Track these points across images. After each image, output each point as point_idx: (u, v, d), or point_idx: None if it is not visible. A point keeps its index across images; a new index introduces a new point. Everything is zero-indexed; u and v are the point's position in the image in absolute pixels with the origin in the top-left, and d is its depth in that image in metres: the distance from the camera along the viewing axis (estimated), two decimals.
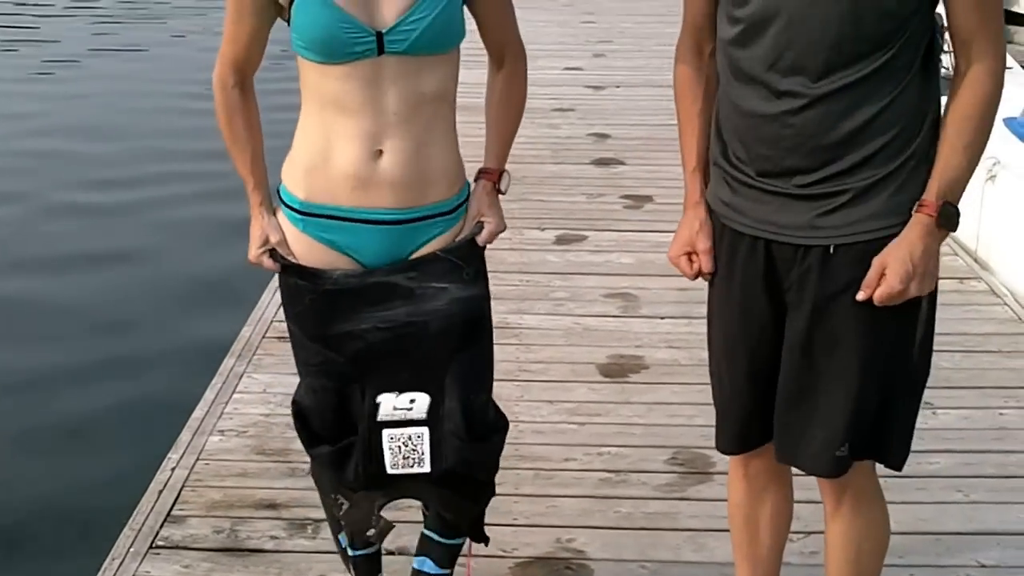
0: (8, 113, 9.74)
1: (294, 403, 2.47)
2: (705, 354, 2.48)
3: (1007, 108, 6.11)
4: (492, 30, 2.37)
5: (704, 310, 2.45)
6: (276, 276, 2.44)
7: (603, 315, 4.69)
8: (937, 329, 4.49)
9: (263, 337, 4.35)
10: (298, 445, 3.34)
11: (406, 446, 2.33)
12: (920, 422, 3.75)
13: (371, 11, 2.15)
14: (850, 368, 2.21)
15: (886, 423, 2.29)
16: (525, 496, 3.39)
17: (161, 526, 3.19)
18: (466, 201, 2.38)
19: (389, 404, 2.32)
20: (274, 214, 2.35)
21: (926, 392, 3.95)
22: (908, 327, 2.22)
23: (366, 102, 2.19)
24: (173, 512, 3.26)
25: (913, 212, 2.12)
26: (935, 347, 4.36)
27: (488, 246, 2.43)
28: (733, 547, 2.64)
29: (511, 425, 3.61)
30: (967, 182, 2.15)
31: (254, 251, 2.34)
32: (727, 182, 2.27)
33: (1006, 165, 5.41)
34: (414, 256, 2.32)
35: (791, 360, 2.26)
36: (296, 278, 2.32)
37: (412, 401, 2.32)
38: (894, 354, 2.22)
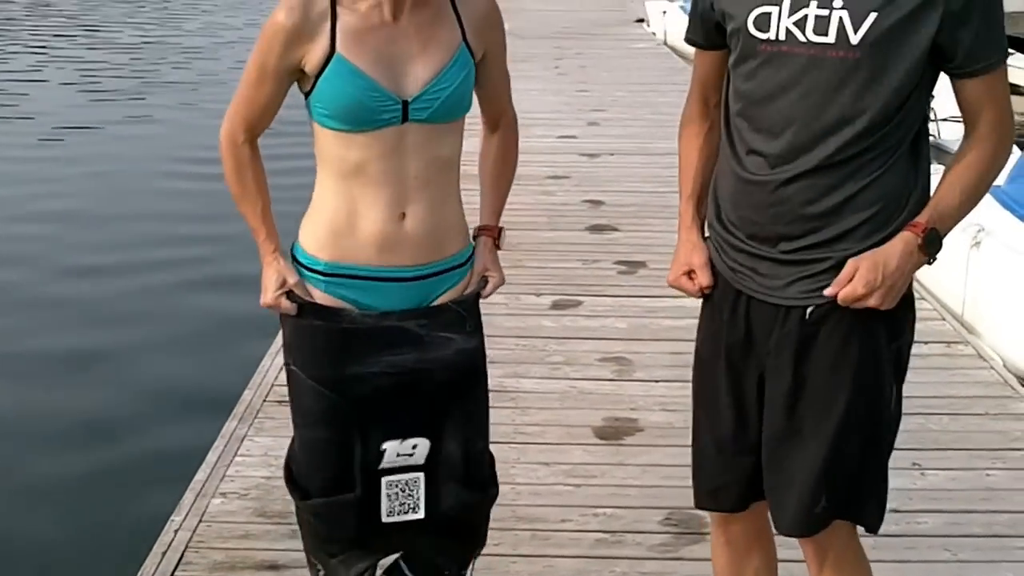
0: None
1: (287, 463, 2.55)
2: None
3: None
4: (492, 100, 2.54)
5: None
6: (279, 340, 2.53)
7: (598, 378, 4.77)
8: (925, 392, 4.65)
9: (264, 400, 4.43)
10: None
11: (403, 492, 2.41)
12: (909, 483, 3.90)
13: (398, 81, 2.28)
14: (826, 428, 2.29)
15: (862, 481, 2.36)
16: (522, 556, 3.46)
17: None
18: (473, 253, 2.51)
19: (393, 451, 2.40)
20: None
21: (915, 453, 4.11)
22: (882, 388, 2.31)
23: (389, 169, 2.32)
24: (176, 573, 3.32)
25: (903, 230, 2.21)
26: (923, 410, 4.50)
27: (485, 311, 2.54)
28: None
29: (509, 487, 3.75)
30: (956, 221, 2.25)
31: (271, 295, 2.40)
32: (719, 244, 2.39)
33: (991, 232, 5.54)
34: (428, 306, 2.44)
35: (771, 419, 2.35)
36: (313, 318, 2.39)
37: (414, 447, 2.40)
38: (868, 414, 2.31)
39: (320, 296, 2.40)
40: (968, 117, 2.23)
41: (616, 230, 6.91)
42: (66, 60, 16.55)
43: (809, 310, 2.27)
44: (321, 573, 2.53)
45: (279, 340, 4.88)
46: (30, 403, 5.65)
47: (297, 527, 3.44)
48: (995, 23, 2.16)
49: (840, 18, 2.13)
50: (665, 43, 16.19)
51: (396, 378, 2.39)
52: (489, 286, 2.52)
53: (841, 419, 2.29)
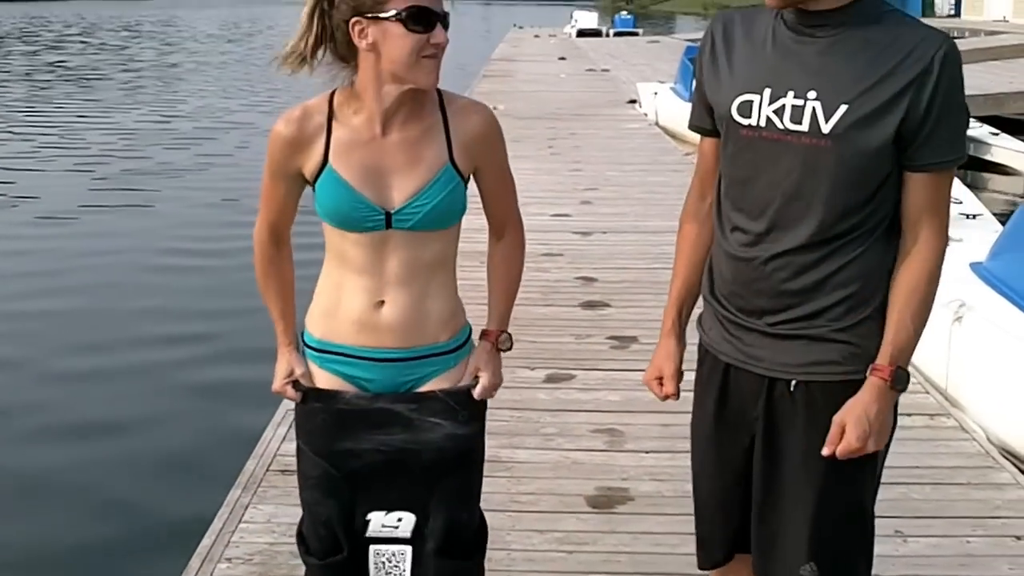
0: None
1: (299, 523, 2.71)
2: (688, 486, 2.73)
3: (973, 253, 6.49)
4: (494, 206, 2.69)
5: (687, 444, 2.71)
6: (280, 412, 2.71)
7: (590, 449, 4.91)
8: (908, 463, 4.79)
9: (267, 470, 4.56)
10: (302, 571, 3.57)
11: (389, 562, 2.57)
12: (891, 549, 4.03)
13: (382, 193, 2.46)
14: (810, 493, 2.44)
15: (849, 546, 2.50)
16: None
17: None
18: (467, 341, 2.66)
19: (378, 522, 2.57)
20: (299, 351, 2.64)
21: (897, 521, 4.24)
22: (864, 460, 2.43)
23: (369, 263, 2.51)
24: None
25: (868, 375, 2.35)
26: (906, 479, 4.62)
27: None
28: None
29: (504, 554, 3.87)
30: (915, 346, 2.38)
31: (279, 382, 2.63)
32: (714, 314, 2.55)
33: (971, 307, 5.72)
34: (416, 390, 2.59)
35: (757, 484, 2.51)
36: (313, 402, 2.60)
37: (399, 520, 2.57)
38: (854, 479, 2.44)
39: (316, 371, 2.61)
40: (910, 217, 2.34)
41: (608, 306, 7.08)
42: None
43: (792, 383, 2.43)
44: None
45: (280, 412, 5.07)
46: (39, 473, 5.82)
47: None
48: (955, 126, 2.30)
49: (813, 108, 2.29)
50: (657, 124, 16.52)
51: (386, 455, 2.56)
52: (478, 388, 2.61)
53: (823, 490, 2.43)
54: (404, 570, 2.58)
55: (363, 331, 2.54)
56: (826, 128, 2.29)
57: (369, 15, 2.37)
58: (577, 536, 4.14)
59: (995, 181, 14.09)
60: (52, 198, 13.06)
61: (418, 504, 2.58)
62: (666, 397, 2.67)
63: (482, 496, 3.95)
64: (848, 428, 2.34)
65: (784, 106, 2.33)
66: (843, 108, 2.27)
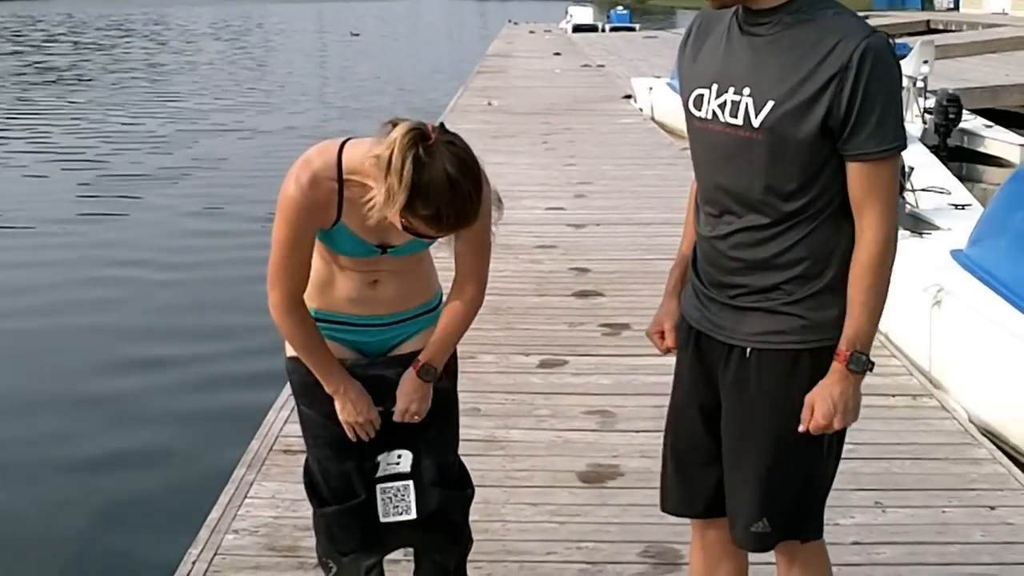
0: None
1: (305, 472, 3.03)
2: None
3: (956, 241, 6.76)
4: (464, 264, 2.88)
5: None
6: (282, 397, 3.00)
7: (583, 429, 5.16)
8: (889, 439, 5.06)
9: (270, 450, 4.81)
10: (306, 543, 3.84)
11: (396, 496, 2.92)
12: (871, 519, 4.30)
13: (384, 239, 2.79)
14: (761, 453, 2.69)
15: (800, 506, 2.76)
16: None
17: None
18: (440, 301, 3.00)
19: (384, 462, 2.93)
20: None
21: (877, 493, 4.49)
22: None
23: (362, 266, 2.87)
24: None
25: (833, 360, 2.59)
26: (887, 455, 4.88)
27: (475, 370, 3.15)
28: None
29: (499, 524, 4.14)
30: (873, 330, 2.59)
31: (365, 415, 2.90)
32: (692, 285, 2.83)
33: (950, 291, 5.97)
34: (400, 351, 2.96)
35: (724, 441, 2.77)
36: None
37: (400, 456, 2.92)
38: (805, 444, 2.67)
39: None
40: (854, 204, 2.52)
41: (601, 295, 7.34)
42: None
43: (748, 351, 2.68)
44: (333, 570, 3.01)
45: (281, 397, 5.33)
46: (61, 441, 6.31)
47: (304, 560, 3.87)
48: (881, 118, 2.45)
49: (746, 104, 2.53)
50: (652, 119, 16.75)
51: (382, 413, 2.93)
52: (396, 412, 2.89)
53: (772, 450, 2.68)
54: (410, 502, 2.90)
55: (358, 304, 2.89)
56: (756, 122, 2.52)
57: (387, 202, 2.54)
58: (569, 508, 4.39)
59: (989, 173, 14.33)
60: (23, 206, 12.90)
61: (412, 444, 2.94)
62: (667, 350, 2.95)
63: (478, 473, 4.24)
64: (816, 408, 2.59)
65: (726, 101, 2.58)
66: (770, 104, 2.50)
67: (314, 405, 2.94)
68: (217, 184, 14.11)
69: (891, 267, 2.58)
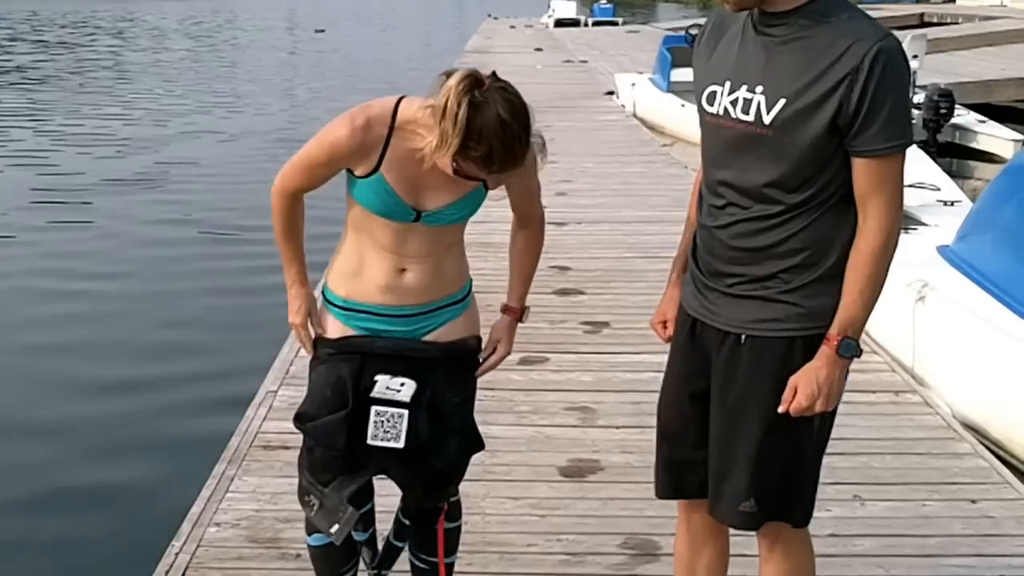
0: None
1: (297, 414, 3.18)
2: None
3: (942, 237, 6.98)
4: (519, 207, 3.26)
5: (655, 420, 3.19)
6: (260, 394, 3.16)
7: (563, 425, 5.36)
8: (871, 435, 5.27)
9: (251, 446, 5.00)
10: (287, 534, 4.03)
11: (388, 422, 3.08)
12: (849, 512, 4.51)
13: (419, 199, 3.00)
14: (751, 437, 2.89)
15: (787, 488, 2.96)
16: (491, 574, 4.04)
17: None
18: (470, 292, 3.25)
19: (383, 384, 3.08)
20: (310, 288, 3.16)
21: (856, 487, 4.70)
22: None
23: (393, 242, 3.06)
24: None
25: (822, 344, 2.80)
26: (868, 450, 5.09)
27: None
28: None
29: (479, 517, 4.32)
30: (866, 318, 2.80)
31: (302, 316, 3.16)
32: (691, 274, 3.04)
33: (935, 287, 6.19)
34: (427, 340, 3.15)
35: (713, 424, 2.97)
36: (324, 348, 3.18)
37: (402, 385, 3.08)
38: (794, 429, 2.87)
39: (341, 326, 3.14)
40: (859, 196, 2.72)
41: (582, 293, 7.54)
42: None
43: (743, 337, 2.89)
44: (316, 506, 3.15)
45: (260, 393, 5.52)
46: (42, 437, 6.59)
47: (286, 551, 4.05)
48: (889, 118, 2.64)
49: (758, 102, 2.74)
50: (634, 115, 16.98)
51: (395, 347, 3.13)
52: (495, 355, 3.32)
53: (762, 434, 2.89)
54: (400, 431, 3.07)
55: (386, 293, 3.09)
56: (767, 119, 2.74)
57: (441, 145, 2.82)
58: (549, 502, 4.59)
59: (981, 169, 14.59)
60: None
61: (420, 376, 3.10)
62: (669, 339, 3.16)
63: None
64: (799, 389, 2.79)
65: (738, 98, 2.79)
66: (782, 102, 2.71)
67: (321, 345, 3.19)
68: (183, 191, 13.96)
69: (891, 259, 2.78)
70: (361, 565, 3.44)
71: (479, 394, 5.57)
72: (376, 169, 2.96)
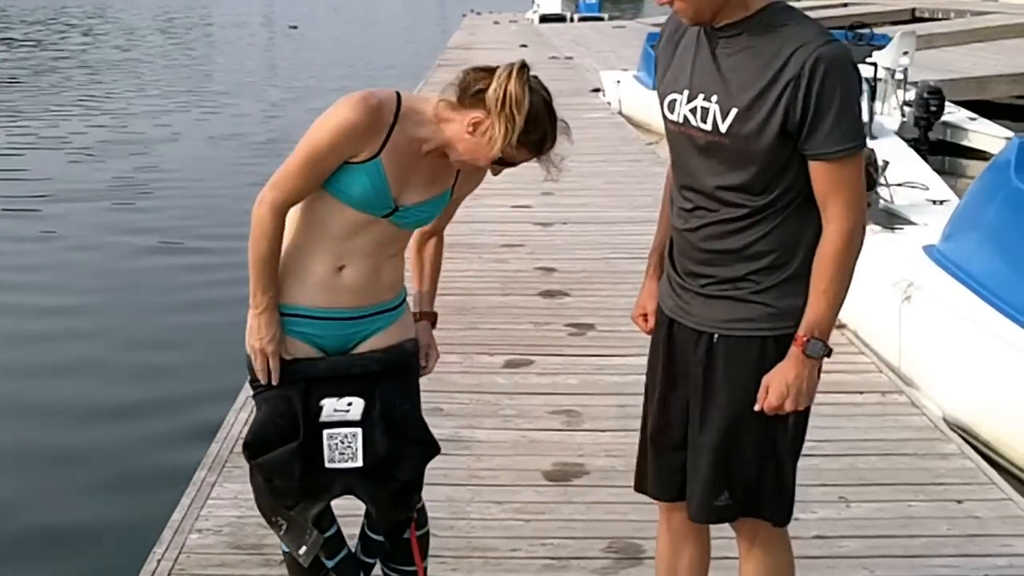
0: None
1: (246, 444, 3.20)
2: None
3: (929, 236, 7.09)
4: (444, 220, 3.38)
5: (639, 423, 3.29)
6: (240, 399, 3.19)
7: (548, 428, 5.45)
8: (858, 436, 5.37)
9: (231, 452, 5.06)
10: (271, 540, 4.10)
11: (343, 443, 3.13)
12: (835, 513, 4.60)
13: (402, 192, 3.07)
14: (722, 432, 3.00)
15: (760, 484, 3.06)
16: None
17: None
18: (404, 300, 3.31)
19: (331, 407, 3.13)
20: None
21: (842, 488, 4.78)
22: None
23: (344, 234, 3.10)
24: None
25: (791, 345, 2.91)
26: (854, 451, 5.18)
27: (439, 370, 3.45)
28: None
29: (464, 522, 4.40)
30: (832, 319, 2.91)
31: (273, 344, 3.12)
32: (667, 274, 3.15)
33: (920, 287, 6.30)
34: (360, 348, 3.20)
35: (690, 424, 3.07)
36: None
37: (350, 404, 3.13)
38: (766, 426, 2.98)
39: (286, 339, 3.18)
40: (819, 199, 2.83)
41: (567, 295, 7.63)
42: None
43: (715, 336, 3.00)
44: (284, 527, 3.22)
45: (240, 399, 5.60)
46: (21, 442, 6.66)
47: (269, 557, 4.13)
48: (837, 122, 2.75)
49: (714, 111, 2.86)
50: (620, 112, 17.08)
51: (335, 366, 3.18)
52: (430, 363, 3.42)
53: (735, 429, 2.99)
54: (356, 449, 3.13)
55: (322, 292, 3.13)
56: (723, 128, 2.86)
57: (505, 134, 2.95)
58: (534, 506, 4.67)
59: (973, 167, 14.69)
60: None
61: (366, 391, 3.16)
62: (650, 331, 3.26)
63: (442, 472, 4.51)
64: (771, 389, 2.92)
65: (696, 107, 2.91)
66: (735, 111, 2.83)
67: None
68: (153, 198, 13.74)
69: (855, 259, 2.89)
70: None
71: (464, 398, 5.77)
72: (378, 153, 3.02)
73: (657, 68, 3.10)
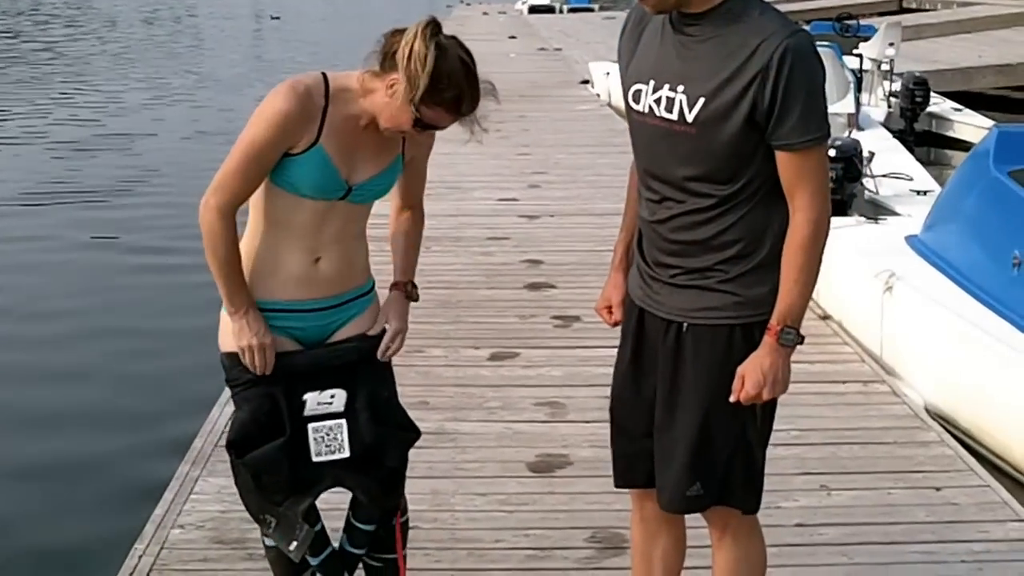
0: None
1: (230, 443, 3.23)
2: None
3: (912, 227, 7.13)
4: (410, 186, 3.39)
5: None
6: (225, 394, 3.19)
7: (533, 420, 5.48)
8: (838, 425, 5.42)
9: (215, 446, 5.08)
10: (253, 535, 4.13)
11: (328, 435, 3.17)
12: (815, 501, 4.64)
13: (351, 171, 3.11)
14: (692, 422, 3.03)
15: (731, 473, 3.09)
16: (459, 570, 4.15)
17: None
18: (373, 287, 3.35)
19: (313, 401, 3.17)
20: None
21: (823, 476, 4.82)
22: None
23: (310, 228, 3.14)
24: None
25: (765, 335, 2.94)
26: (835, 440, 5.22)
27: (423, 363, 3.37)
28: None
29: (448, 514, 4.44)
30: (803, 307, 2.95)
31: (261, 338, 3.12)
32: (636, 264, 3.17)
33: (901, 277, 6.33)
34: (337, 336, 3.25)
35: (657, 412, 3.10)
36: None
37: (332, 396, 3.17)
38: (735, 414, 3.01)
39: None
40: (786, 189, 2.87)
41: (553, 287, 7.66)
42: None
43: (684, 325, 3.03)
44: (273, 524, 3.23)
45: (225, 394, 5.61)
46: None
47: (252, 551, 4.15)
48: (803, 112, 2.78)
49: (680, 101, 2.88)
50: (609, 104, 17.09)
51: (313, 360, 3.22)
52: (388, 332, 3.30)
53: (704, 419, 3.02)
54: (342, 441, 3.17)
55: (300, 285, 3.18)
56: (689, 118, 2.88)
57: (408, 91, 2.95)
58: (518, 497, 4.71)
59: (958, 158, 14.73)
60: None
61: (346, 383, 3.20)
62: (615, 324, 3.30)
63: (427, 465, 4.54)
64: (746, 378, 2.94)
65: (662, 97, 2.93)
66: (701, 101, 2.86)
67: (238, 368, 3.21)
68: (133, 195, 13.46)
69: (822, 247, 2.92)
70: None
71: (449, 391, 5.79)
72: (316, 140, 3.05)
73: (620, 61, 3.11)
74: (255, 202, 3.14)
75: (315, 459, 3.17)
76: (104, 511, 5.64)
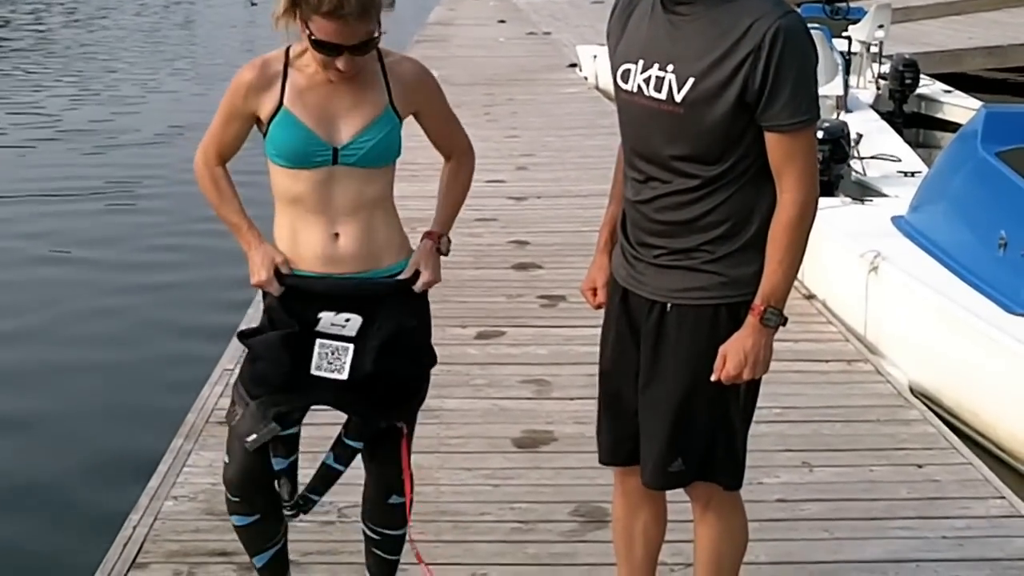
0: None
1: (240, 332, 3.37)
2: None
3: (899, 208, 7.22)
4: (439, 141, 3.44)
5: None
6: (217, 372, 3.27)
7: (518, 397, 5.57)
8: (822, 403, 5.51)
9: (207, 422, 5.17)
10: None
11: (332, 354, 3.23)
12: (797, 478, 4.73)
13: (330, 132, 3.15)
14: (674, 399, 3.09)
15: (713, 450, 3.16)
16: (444, 542, 4.23)
17: (128, 571, 4.03)
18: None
19: (327, 320, 3.22)
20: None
21: (805, 454, 4.92)
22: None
23: (319, 200, 3.20)
24: (138, 560, 4.08)
25: (748, 315, 2.99)
26: (818, 418, 5.32)
27: None
28: (615, 554, 3.51)
29: (432, 488, 4.51)
30: (788, 288, 3.00)
31: (264, 272, 3.22)
32: (620, 245, 3.22)
33: (887, 257, 6.42)
34: None
35: (640, 390, 3.17)
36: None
37: (347, 320, 3.22)
38: (718, 393, 3.07)
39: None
40: (775, 169, 2.91)
41: (540, 267, 7.75)
42: None
43: (668, 305, 3.09)
44: (238, 415, 3.29)
45: (216, 371, 5.69)
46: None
47: None
48: (793, 94, 2.82)
49: (669, 81, 2.92)
50: (597, 87, 17.13)
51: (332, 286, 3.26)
52: (418, 282, 3.31)
53: (687, 396, 3.08)
54: (344, 363, 3.22)
55: (324, 262, 3.23)
56: (678, 97, 2.92)
57: (303, 20, 3.07)
58: (503, 472, 4.79)
59: (947, 139, 14.79)
60: None
61: (367, 308, 3.23)
62: (599, 306, 3.35)
63: (412, 441, 4.62)
64: (728, 358, 3.00)
65: (651, 76, 2.97)
66: (691, 81, 2.90)
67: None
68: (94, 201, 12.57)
69: (808, 229, 2.97)
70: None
71: (435, 369, 5.70)
72: (280, 103, 3.15)
73: (609, 41, 3.16)
74: (272, 185, 3.25)
75: (313, 371, 3.22)
76: (100, 483, 5.74)
